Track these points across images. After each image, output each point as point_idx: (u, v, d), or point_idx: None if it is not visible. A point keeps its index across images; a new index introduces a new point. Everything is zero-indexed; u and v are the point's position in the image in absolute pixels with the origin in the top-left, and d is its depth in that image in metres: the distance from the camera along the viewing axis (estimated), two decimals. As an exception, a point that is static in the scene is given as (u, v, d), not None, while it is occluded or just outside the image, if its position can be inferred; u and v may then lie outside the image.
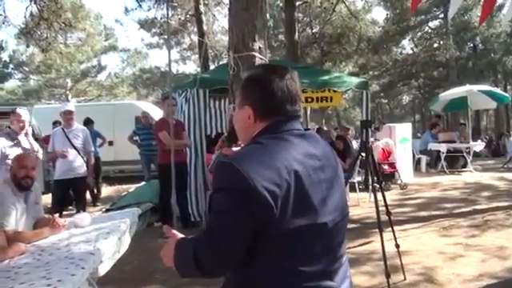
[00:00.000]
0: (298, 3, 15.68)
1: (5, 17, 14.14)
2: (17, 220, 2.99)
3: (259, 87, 1.37)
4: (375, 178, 4.23)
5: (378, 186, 4.15)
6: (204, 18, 17.08)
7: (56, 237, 3.06)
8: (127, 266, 4.53)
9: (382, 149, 9.90)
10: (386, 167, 9.76)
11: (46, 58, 23.99)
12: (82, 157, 5.92)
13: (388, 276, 3.64)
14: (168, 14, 6.89)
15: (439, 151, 11.47)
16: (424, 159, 12.04)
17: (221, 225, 1.23)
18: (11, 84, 34.43)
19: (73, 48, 27.36)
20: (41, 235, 3.00)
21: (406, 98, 41.57)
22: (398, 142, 10.41)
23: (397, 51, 27.92)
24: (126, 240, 3.49)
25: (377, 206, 3.96)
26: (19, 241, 2.73)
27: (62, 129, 5.95)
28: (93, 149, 6.31)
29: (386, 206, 4.14)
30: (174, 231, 1.45)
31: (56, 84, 33.83)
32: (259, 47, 4.17)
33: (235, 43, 4.18)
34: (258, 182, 1.18)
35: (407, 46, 28.71)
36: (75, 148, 5.84)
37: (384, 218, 4.16)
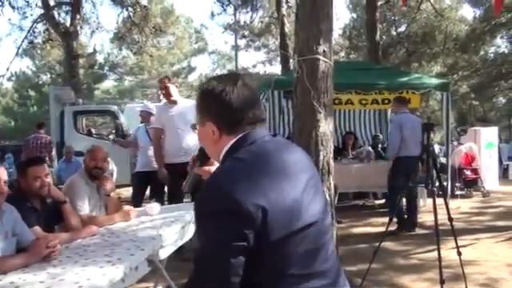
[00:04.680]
0: (380, 3, 15.29)
1: (98, 23, 15.40)
2: (91, 206, 3.38)
3: (214, 100, 1.31)
4: (436, 183, 4.13)
5: (437, 190, 4.04)
6: (286, 20, 17.23)
7: (127, 222, 3.42)
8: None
9: (465, 153, 9.47)
10: (468, 173, 9.33)
11: (138, 60, 25.64)
12: None
13: (442, 282, 3.58)
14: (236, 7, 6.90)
15: (529, 158, 10.73)
16: (512, 166, 11.33)
17: (211, 254, 1.18)
18: (107, 84, 37.06)
19: (163, 51, 28.89)
20: (112, 220, 3.37)
21: (501, 101, 38.76)
22: (483, 147, 9.89)
23: (487, 50, 26.17)
24: (191, 230, 3.76)
25: (435, 211, 3.88)
26: (93, 224, 3.10)
27: (145, 125, 6.35)
28: None
29: (448, 211, 4.04)
30: None
31: (148, 84, 35.96)
32: (324, 50, 4.23)
33: (300, 47, 4.28)
34: (248, 201, 1.14)
35: (502, 44, 26.82)
36: None
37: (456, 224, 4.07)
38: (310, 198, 1.30)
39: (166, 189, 6.67)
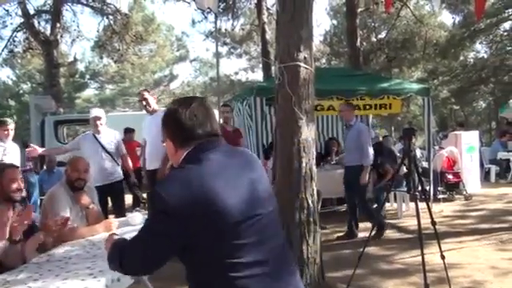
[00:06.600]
0: (359, 10, 15.50)
1: (78, 31, 15.32)
2: (72, 218, 3.32)
3: (170, 122, 1.60)
4: (418, 187, 4.16)
5: (418, 195, 4.06)
6: (267, 28, 17.31)
7: (109, 233, 3.36)
8: (178, 263, 4.76)
9: (447, 157, 9.57)
10: (450, 177, 9.42)
11: (119, 68, 25.49)
12: (116, 161, 5.73)
13: (427, 286, 3.59)
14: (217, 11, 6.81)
15: (509, 161, 10.88)
16: (493, 169, 11.46)
17: (144, 240, 1.49)
18: (88, 93, 36.64)
19: (145, 59, 28.76)
20: (94, 231, 3.31)
21: (481, 105, 39.46)
22: (465, 150, 9.98)
23: (467, 55, 26.65)
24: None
25: (418, 215, 3.90)
26: (74, 236, 3.06)
27: (93, 134, 5.69)
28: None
29: (431, 215, 4.07)
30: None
31: (130, 92, 35.68)
32: (304, 57, 4.24)
33: (281, 54, 4.30)
34: (175, 201, 1.39)
35: (481, 49, 27.33)
36: (108, 152, 5.63)
37: (440, 228, 4.09)
38: (253, 195, 1.51)
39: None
